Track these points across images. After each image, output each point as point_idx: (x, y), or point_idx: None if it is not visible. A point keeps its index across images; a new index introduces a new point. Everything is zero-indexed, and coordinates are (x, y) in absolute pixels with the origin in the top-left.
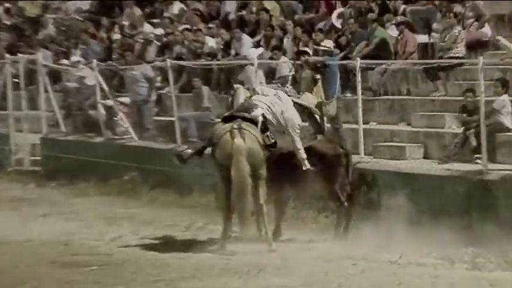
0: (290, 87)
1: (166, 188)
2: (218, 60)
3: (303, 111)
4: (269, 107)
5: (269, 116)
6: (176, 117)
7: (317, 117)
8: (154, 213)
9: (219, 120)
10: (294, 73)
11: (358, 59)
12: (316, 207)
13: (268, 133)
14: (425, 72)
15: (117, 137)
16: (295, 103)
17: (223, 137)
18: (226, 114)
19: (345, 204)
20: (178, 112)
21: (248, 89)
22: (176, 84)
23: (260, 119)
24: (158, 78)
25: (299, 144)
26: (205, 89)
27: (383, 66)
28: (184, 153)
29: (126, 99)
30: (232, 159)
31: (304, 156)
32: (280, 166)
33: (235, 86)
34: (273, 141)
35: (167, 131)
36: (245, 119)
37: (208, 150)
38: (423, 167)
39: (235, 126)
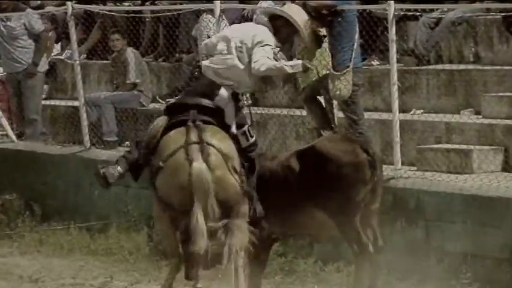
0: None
1: (64, 219)
2: (154, 3)
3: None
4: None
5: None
6: (83, 101)
7: (321, 100)
8: (44, 263)
9: (160, 111)
10: None
11: (392, 1)
12: (320, 255)
13: (245, 128)
14: (506, 25)
15: None
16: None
17: (174, 157)
18: (173, 100)
19: (371, 248)
20: (85, 92)
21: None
22: (83, 44)
23: (231, 107)
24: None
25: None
26: (131, 53)
27: (435, 13)
28: (109, 173)
29: None
30: (193, 199)
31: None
32: (259, 182)
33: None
34: (252, 140)
35: (67, 125)
36: (203, 110)
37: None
38: (504, 186)
39: (193, 137)
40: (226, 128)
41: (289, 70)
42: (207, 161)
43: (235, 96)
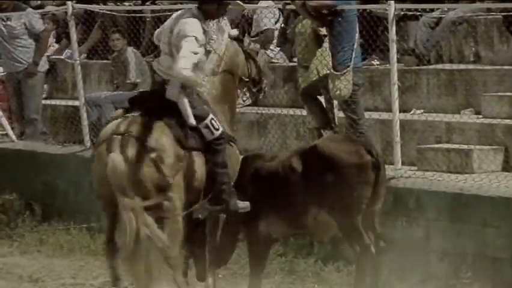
0: (277, 49)
1: (65, 220)
2: (154, 2)
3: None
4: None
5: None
6: (84, 101)
7: (322, 100)
8: (44, 263)
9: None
10: (282, 25)
11: (392, 1)
12: (320, 254)
13: (207, 121)
14: (507, 24)
15: None
16: None
17: (99, 147)
18: (131, 96)
19: (372, 249)
20: (86, 92)
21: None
22: (84, 44)
23: (184, 100)
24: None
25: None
26: (132, 53)
27: (435, 13)
28: None
29: None
30: (113, 190)
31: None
32: (256, 180)
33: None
34: (218, 133)
35: (67, 124)
36: (157, 103)
37: None
38: (504, 186)
39: (121, 128)
40: (181, 121)
41: (188, 80)
42: (123, 153)
43: (188, 89)
